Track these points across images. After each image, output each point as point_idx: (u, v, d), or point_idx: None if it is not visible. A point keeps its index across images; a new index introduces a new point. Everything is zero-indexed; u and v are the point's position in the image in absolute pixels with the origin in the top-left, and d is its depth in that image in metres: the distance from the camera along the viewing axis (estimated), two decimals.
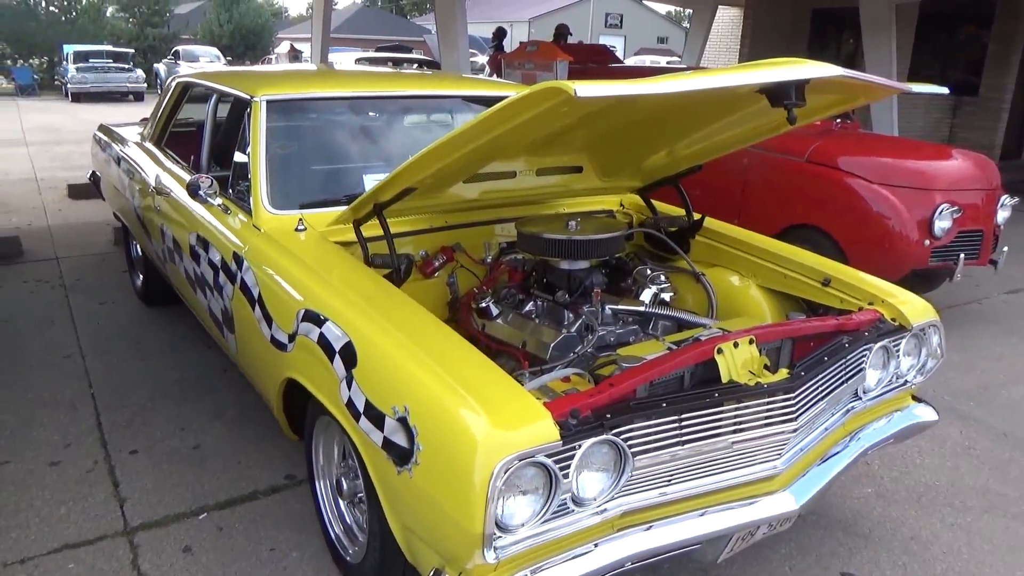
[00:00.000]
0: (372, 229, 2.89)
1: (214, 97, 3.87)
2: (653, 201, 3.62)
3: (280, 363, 2.59)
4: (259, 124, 3.20)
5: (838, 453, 2.56)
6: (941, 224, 4.89)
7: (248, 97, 3.33)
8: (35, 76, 27.44)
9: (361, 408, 2.09)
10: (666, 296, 3.13)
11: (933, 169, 5.17)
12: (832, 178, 5.25)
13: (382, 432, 2.00)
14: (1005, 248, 5.25)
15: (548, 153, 3.06)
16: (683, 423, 2.04)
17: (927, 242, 4.94)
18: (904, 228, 4.96)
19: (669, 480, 2.08)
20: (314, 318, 2.38)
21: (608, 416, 1.93)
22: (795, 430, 2.22)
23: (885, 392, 2.71)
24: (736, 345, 2.28)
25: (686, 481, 2.11)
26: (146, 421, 3.64)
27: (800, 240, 5.35)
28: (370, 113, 3.63)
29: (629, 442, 1.96)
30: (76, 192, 8.61)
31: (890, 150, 5.51)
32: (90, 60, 24.41)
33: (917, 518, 3.12)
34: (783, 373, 2.25)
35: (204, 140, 3.85)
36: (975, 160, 5.33)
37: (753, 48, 14.80)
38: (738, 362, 2.26)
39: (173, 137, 4.59)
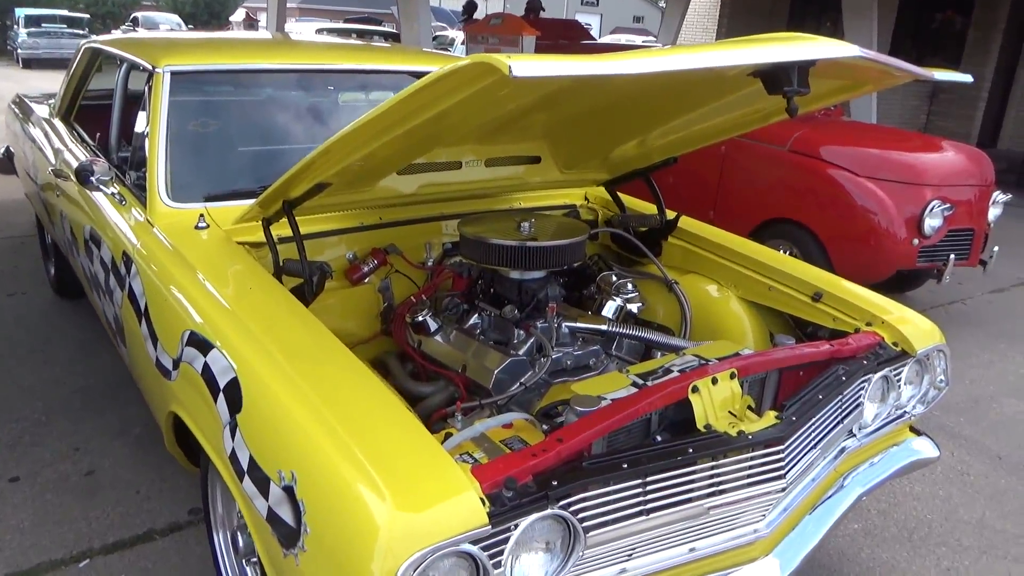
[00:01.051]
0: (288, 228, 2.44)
1: (124, 67, 3.34)
2: (621, 196, 3.20)
3: (164, 392, 2.14)
4: (160, 99, 2.71)
5: (829, 499, 2.19)
6: (931, 222, 4.55)
7: (151, 67, 2.83)
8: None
9: (245, 465, 1.65)
10: (633, 307, 2.72)
11: (923, 163, 4.81)
12: (815, 169, 4.88)
13: (267, 501, 1.57)
14: (996, 248, 4.92)
15: (500, 141, 2.62)
16: (648, 488, 1.64)
17: (915, 241, 4.59)
18: (891, 225, 4.60)
19: (630, 555, 1.68)
20: (199, 343, 1.93)
21: (554, 483, 1.52)
22: (783, 489, 1.83)
23: (882, 427, 2.34)
24: (715, 381, 1.88)
25: (651, 554, 1.71)
26: (36, 440, 3.16)
27: (779, 236, 5.00)
28: (297, 90, 3.14)
29: (581, 515, 1.55)
30: (3, 167, 7.94)
31: (877, 141, 5.15)
32: (43, 24, 23.20)
33: (910, 560, 2.77)
34: (770, 418, 1.86)
35: (113, 117, 3.33)
36: (968, 153, 4.98)
37: (731, 29, 14.39)
38: (716, 402, 1.87)
39: (86, 112, 4.06)
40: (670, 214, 2.98)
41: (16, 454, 3.05)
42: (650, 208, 3.06)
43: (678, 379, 1.88)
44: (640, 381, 1.97)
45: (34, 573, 2.43)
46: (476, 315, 2.51)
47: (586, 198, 3.32)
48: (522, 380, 2.17)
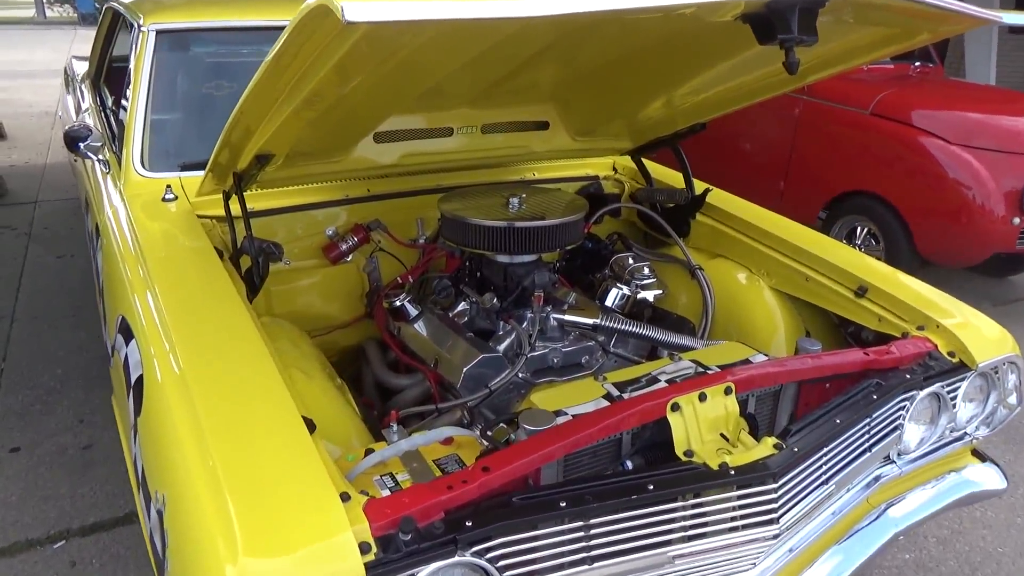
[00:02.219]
0: (265, 199, 2.25)
1: (131, 26, 3.21)
2: (655, 166, 2.84)
3: (109, 378, 2.00)
4: (143, 60, 2.55)
5: (857, 533, 1.84)
6: None
7: (137, 25, 2.67)
8: (96, 4, 27.32)
9: (139, 475, 1.47)
10: (649, 295, 2.39)
11: None
12: (901, 136, 4.30)
13: (148, 521, 1.38)
14: None
15: (498, 103, 2.32)
16: (593, 532, 1.35)
17: (1016, 220, 3.98)
18: (987, 201, 4.01)
19: None
20: (126, 331, 1.75)
21: (468, 524, 1.26)
22: (776, 535, 1.50)
23: (931, 452, 1.94)
24: (703, 397, 1.56)
25: None
26: (47, 408, 3.14)
27: (857, 211, 4.48)
28: None
29: (502, 562, 1.28)
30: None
31: (978, 103, 4.49)
32: None
33: None
34: (767, 446, 1.52)
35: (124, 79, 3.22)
36: None
37: None
38: (703, 424, 1.56)
39: (117, 75, 3.98)
40: (700, 187, 2.60)
41: (23, 423, 3.04)
42: (699, 184, 2.68)
43: (657, 393, 1.57)
44: (615, 392, 1.66)
45: (7, 552, 2.38)
46: (463, 302, 2.25)
47: (614, 168, 2.98)
48: (489, 384, 1.90)
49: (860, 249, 4.64)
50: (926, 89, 4.72)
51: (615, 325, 2.02)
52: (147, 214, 2.17)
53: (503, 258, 2.14)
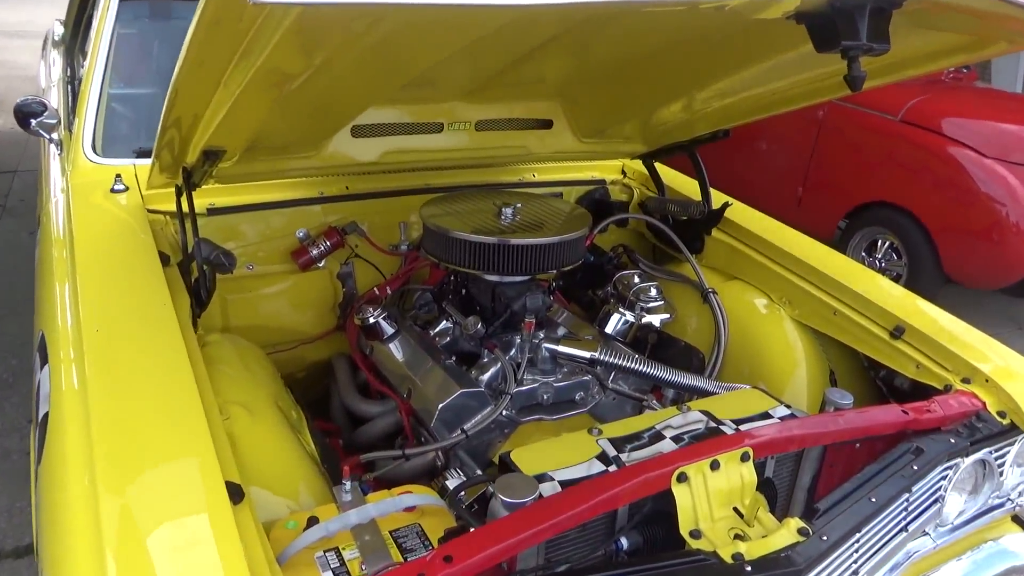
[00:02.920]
0: (229, 194, 1.99)
1: None
2: (667, 172, 2.58)
3: None
4: (104, 24, 2.28)
5: None
6: None
7: None
8: None
9: (37, 524, 1.23)
10: (655, 320, 2.13)
11: None
12: (930, 145, 4.02)
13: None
14: None
15: (496, 98, 2.05)
16: None
17: None
18: (1022, 220, 3.74)
19: None
20: (43, 352, 1.51)
21: None
22: None
23: (970, 522, 1.70)
24: (715, 465, 1.31)
25: None
26: None
27: (878, 222, 4.21)
28: None
29: None
30: None
31: (1014, 114, 4.20)
32: None
33: None
34: (791, 530, 1.27)
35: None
36: None
37: None
38: (714, 497, 1.31)
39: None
40: (718, 200, 2.34)
41: None
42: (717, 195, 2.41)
43: (661, 460, 1.32)
44: (612, 451, 1.41)
45: None
46: (445, 320, 1.99)
47: (623, 172, 2.71)
48: (464, 427, 1.64)
49: (880, 264, 4.37)
50: (960, 97, 4.44)
51: (615, 360, 1.76)
52: (90, 208, 1.91)
53: (492, 276, 1.89)
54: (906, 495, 1.45)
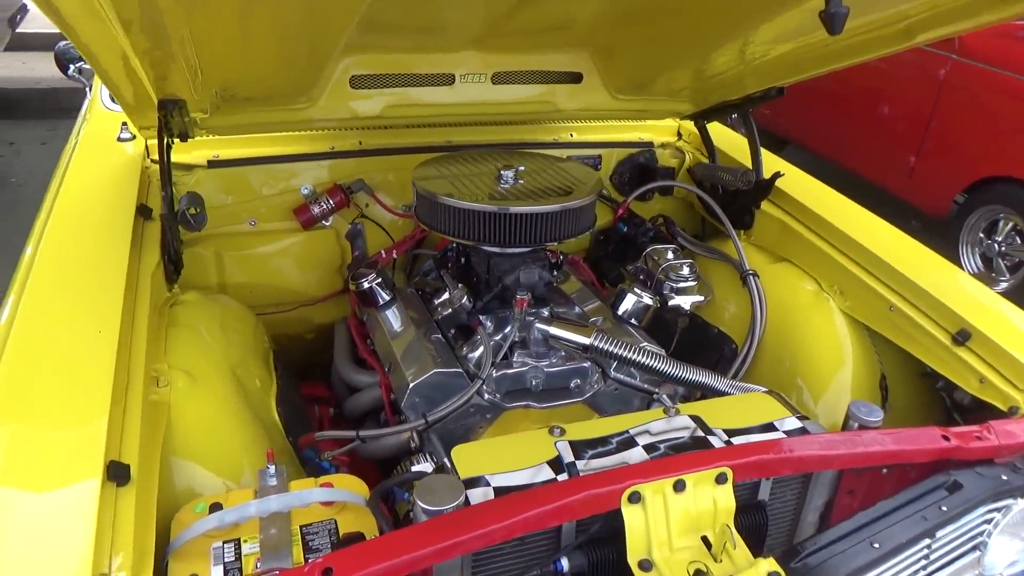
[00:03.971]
0: (232, 146, 1.91)
1: None
2: (727, 134, 2.30)
3: None
4: None
5: None
6: None
7: None
8: None
9: None
10: (685, 302, 1.91)
11: None
12: None
13: None
14: None
15: (515, 47, 1.85)
16: None
17: None
18: None
19: None
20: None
21: None
22: None
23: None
24: (679, 486, 1.11)
25: None
26: None
27: (999, 200, 3.69)
28: None
29: None
30: None
31: None
32: None
33: None
34: (762, 573, 1.06)
35: None
36: None
37: None
38: (675, 523, 1.12)
39: None
40: (773, 165, 2.04)
41: None
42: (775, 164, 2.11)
43: (614, 475, 1.13)
44: (567, 457, 1.23)
45: None
46: (446, 292, 1.85)
47: (679, 134, 2.44)
48: (427, 414, 1.50)
49: (1000, 248, 3.84)
50: None
51: (609, 347, 1.55)
52: (89, 154, 1.89)
53: (489, 247, 1.71)
54: (926, 541, 1.19)
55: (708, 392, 1.59)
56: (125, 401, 1.18)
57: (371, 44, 1.71)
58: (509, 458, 1.23)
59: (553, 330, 1.60)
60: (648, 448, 1.26)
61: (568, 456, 1.23)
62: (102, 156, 1.87)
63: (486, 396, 1.60)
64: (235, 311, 1.76)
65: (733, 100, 2.01)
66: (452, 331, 1.77)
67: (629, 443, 1.28)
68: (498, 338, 1.67)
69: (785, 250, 1.99)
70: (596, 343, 1.56)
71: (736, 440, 1.29)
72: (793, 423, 1.36)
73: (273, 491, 1.20)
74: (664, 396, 1.71)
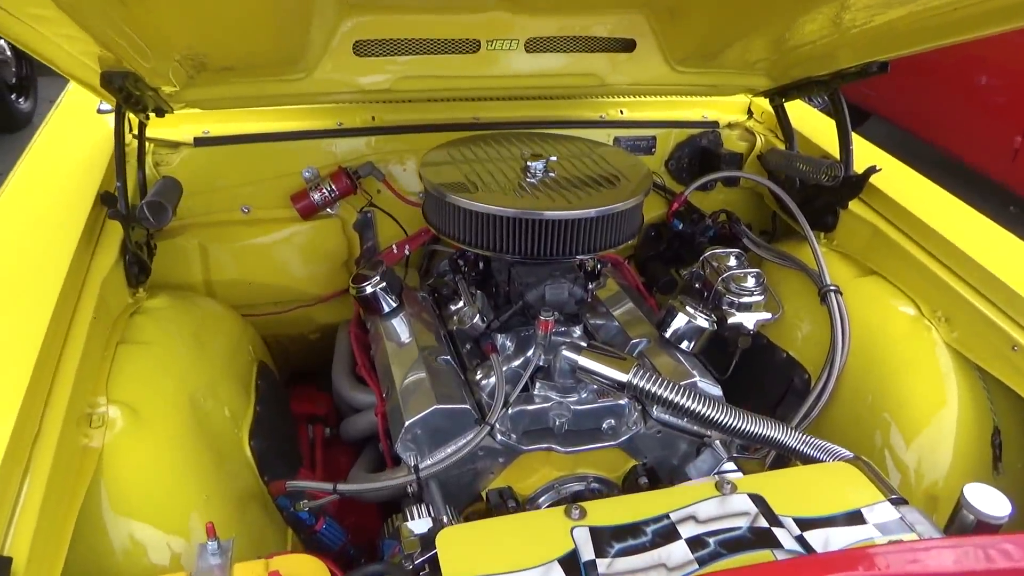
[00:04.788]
0: (225, 120, 1.66)
1: None
2: (800, 110, 1.94)
3: None
4: None
5: None
6: None
7: None
8: None
9: None
10: (748, 320, 1.58)
11: None
12: None
13: None
14: None
15: (551, 8, 1.53)
16: None
17: None
18: None
19: None
20: None
21: None
22: None
23: None
24: None
25: None
26: None
27: None
28: None
29: None
30: None
31: None
32: None
33: None
34: None
35: None
36: None
37: None
38: None
39: None
40: (865, 155, 1.68)
41: None
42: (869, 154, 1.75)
43: None
44: (587, 553, 0.94)
45: None
46: (461, 300, 1.56)
47: (750, 112, 2.08)
48: (420, 464, 1.23)
49: None
50: None
51: (653, 388, 1.25)
52: (64, 131, 1.65)
53: (511, 256, 1.41)
54: None
55: (773, 448, 1.28)
56: (30, 456, 0.94)
57: (377, 2, 1.41)
58: (511, 551, 0.95)
59: (583, 361, 1.30)
60: (694, 544, 0.96)
61: (587, 553, 0.95)
62: (75, 131, 1.63)
63: (499, 437, 1.32)
64: (216, 318, 1.51)
65: (821, 75, 1.65)
66: (468, 346, 1.50)
67: (669, 534, 0.98)
68: (517, 364, 1.38)
69: (876, 261, 1.63)
70: (636, 381, 1.25)
71: (812, 537, 0.98)
72: (887, 511, 1.04)
73: (212, 574, 0.96)
74: (717, 443, 1.40)
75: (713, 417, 1.23)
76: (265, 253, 1.74)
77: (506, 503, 1.31)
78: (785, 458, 1.43)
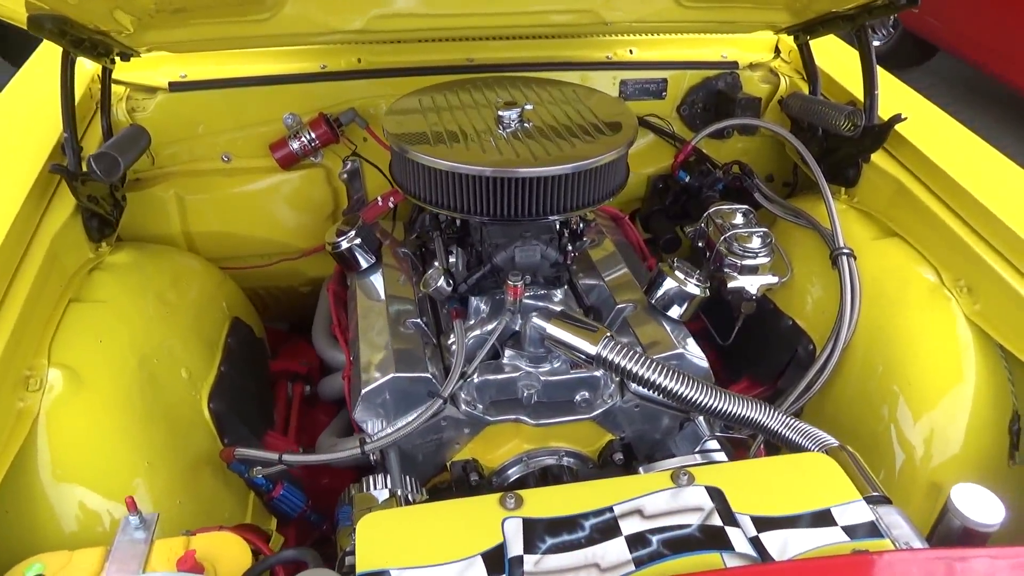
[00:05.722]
0: (201, 63, 1.59)
1: None
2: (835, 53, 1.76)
3: None
4: None
5: None
6: None
7: None
8: None
9: None
10: (751, 284, 1.47)
11: None
12: None
13: None
14: None
15: None
16: None
17: None
18: None
19: None
20: None
21: None
22: None
23: None
24: None
25: None
26: None
27: None
28: None
29: None
30: None
31: None
32: None
33: None
34: None
35: None
36: None
37: None
38: None
39: None
40: (895, 101, 1.50)
41: None
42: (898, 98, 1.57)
43: None
44: (516, 548, 0.87)
45: None
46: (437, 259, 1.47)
47: (776, 50, 1.89)
48: (370, 436, 1.17)
49: None
50: None
51: (623, 362, 1.15)
52: (35, 74, 1.60)
53: (478, 217, 1.30)
54: None
55: (755, 431, 1.17)
56: None
57: None
58: (434, 540, 0.89)
59: (551, 329, 1.20)
60: (634, 542, 0.88)
61: (516, 546, 0.87)
62: (45, 79, 1.58)
63: (463, 407, 1.25)
64: (187, 272, 1.47)
65: (846, 9, 1.47)
66: (446, 308, 1.42)
67: (609, 530, 0.90)
68: (489, 329, 1.29)
69: (898, 221, 1.47)
70: (606, 354, 1.16)
71: (769, 539, 0.89)
72: (861, 512, 0.93)
73: (131, 550, 0.93)
74: (701, 419, 1.31)
75: (686, 395, 1.13)
76: (247, 204, 1.68)
77: (468, 476, 1.25)
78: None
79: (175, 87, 1.59)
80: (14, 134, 1.39)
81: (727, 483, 0.96)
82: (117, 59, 1.43)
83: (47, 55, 1.67)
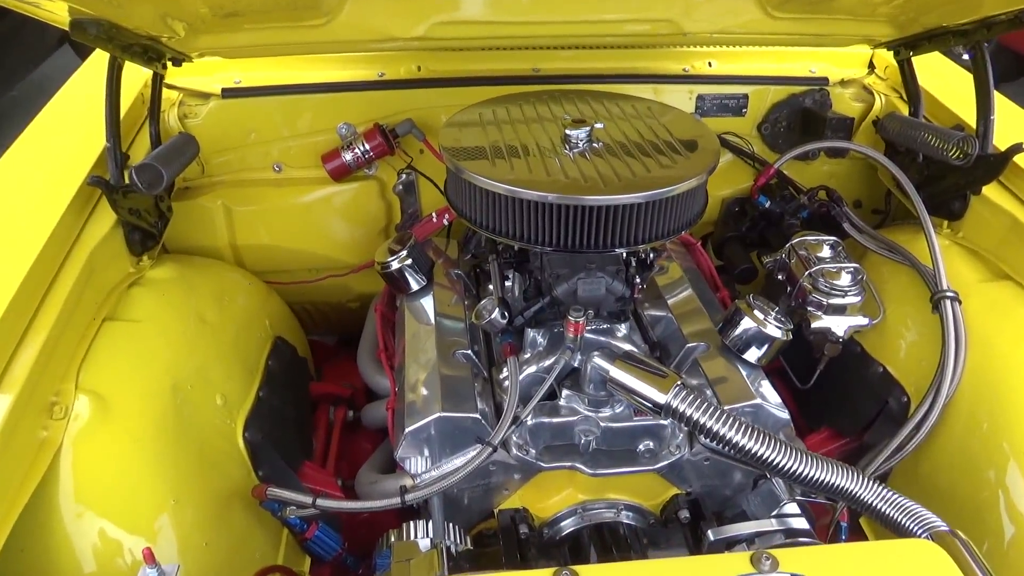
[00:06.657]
0: (255, 68, 1.54)
1: None
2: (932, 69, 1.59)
3: None
4: None
5: None
6: None
7: None
8: None
9: None
10: (839, 325, 1.32)
11: None
12: None
13: None
14: None
15: None
16: None
17: None
18: None
19: None
20: None
21: None
22: None
23: None
24: None
25: None
26: None
27: None
28: None
29: None
30: None
31: None
32: None
33: None
34: None
35: None
36: None
37: None
38: None
39: None
40: (1012, 129, 1.33)
41: None
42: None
43: None
44: None
45: None
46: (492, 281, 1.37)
47: (871, 66, 1.73)
48: (413, 477, 1.07)
49: None
50: None
51: (695, 415, 1.02)
52: (88, 79, 1.56)
53: (540, 247, 1.19)
54: None
55: (844, 502, 1.03)
56: None
57: None
58: None
59: (615, 372, 1.08)
60: None
61: None
62: (101, 76, 1.53)
63: (513, 451, 1.14)
64: (231, 287, 1.41)
65: (959, 24, 1.31)
66: (499, 339, 1.31)
67: None
68: (547, 365, 1.18)
69: (1011, 262, 1.31)
70: (676, 403, 1.03)
71: None
72: None
73: None
74: (778, 482, 1.17)
75: (767, 457, 0.99)
76: (297, 216, 1.61)
77: (517, 528, 1.14)
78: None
79: (228, 93, 1.53)
80: (62, 139, 1.35)
81: (815, 571, 0.82)
82: (169, 64, 1.37)
83: (104, 54, 1.64)
